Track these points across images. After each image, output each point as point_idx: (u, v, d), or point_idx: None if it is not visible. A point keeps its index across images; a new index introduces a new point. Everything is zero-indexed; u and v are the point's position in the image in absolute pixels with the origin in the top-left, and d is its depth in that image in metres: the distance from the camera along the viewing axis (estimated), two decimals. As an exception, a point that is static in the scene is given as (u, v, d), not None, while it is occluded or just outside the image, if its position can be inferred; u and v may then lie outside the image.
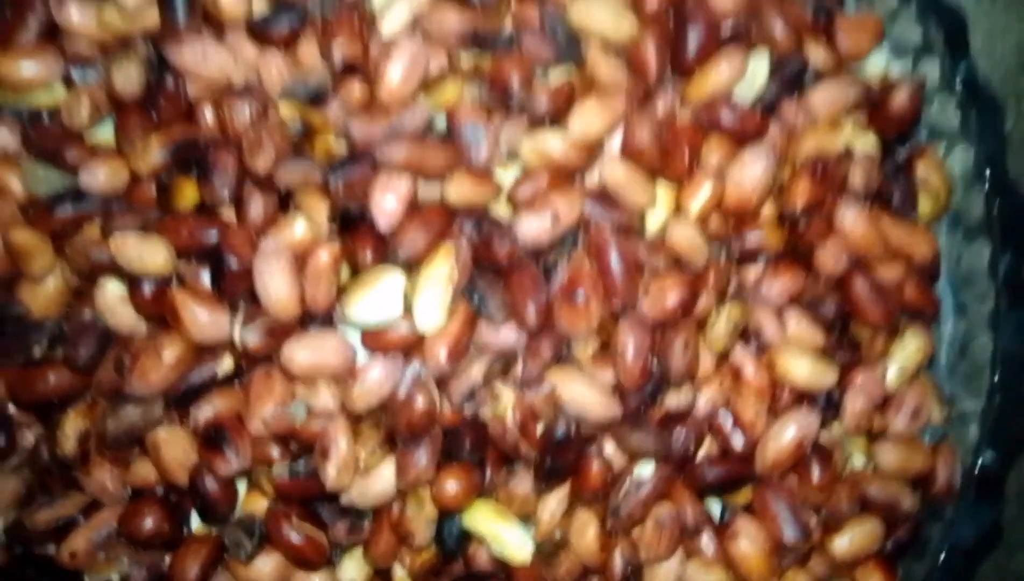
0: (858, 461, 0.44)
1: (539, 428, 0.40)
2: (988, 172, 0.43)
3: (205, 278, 0.39)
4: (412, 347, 0.39)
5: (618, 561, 0.41)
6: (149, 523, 0.38)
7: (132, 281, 0.38)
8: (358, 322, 0.38)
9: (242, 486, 0.40)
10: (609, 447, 0.41)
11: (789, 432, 0.41)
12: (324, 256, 0.39)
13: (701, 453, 0.42)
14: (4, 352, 0.38)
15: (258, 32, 0.39)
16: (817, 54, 0.43)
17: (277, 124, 0.38)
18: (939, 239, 0.45)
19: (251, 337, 0.37)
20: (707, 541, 0.42)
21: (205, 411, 0.39)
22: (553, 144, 0.39)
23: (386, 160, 0.38)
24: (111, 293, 0.38)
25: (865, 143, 0.43)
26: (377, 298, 0.37)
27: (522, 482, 0.40)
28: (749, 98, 0.42)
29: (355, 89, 0.39)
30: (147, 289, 0.38)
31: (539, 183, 0.40)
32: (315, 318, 0.39)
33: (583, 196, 0.40)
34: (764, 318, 0.41)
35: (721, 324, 0.40)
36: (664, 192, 0.41)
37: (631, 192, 0.40)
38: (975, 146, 0.44)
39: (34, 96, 0.39)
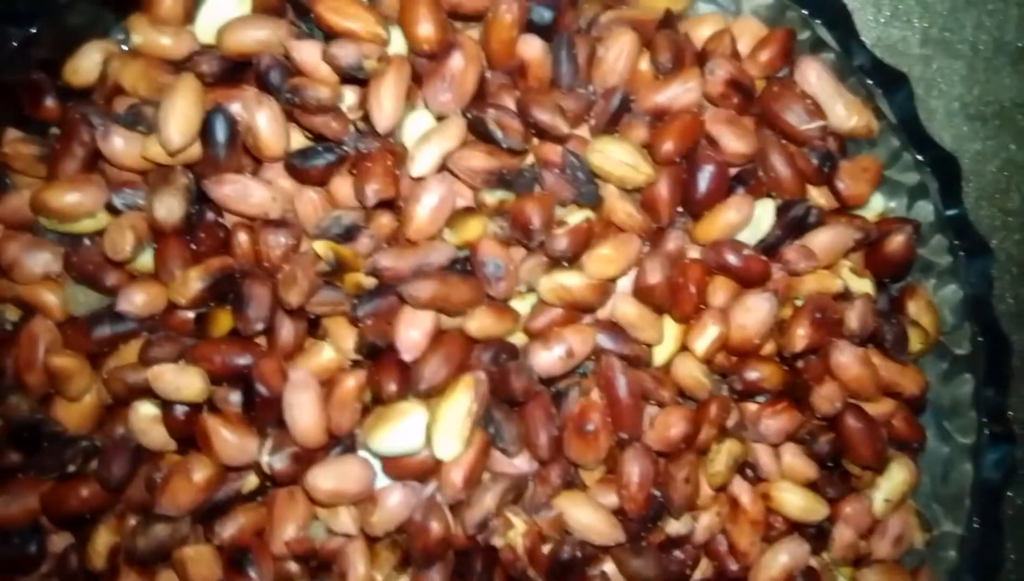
0: (843, 585, 0.46)
1: (546, 550, 0.42)
2: (975, 311, 0.46)
3: (236, 400, 0.41)
4: (430, 473, 0.41)
5: (616, 681, 0.43)
6: (172, 637, 0.40)
7: (166, 404, 0.40)
8: (381, 452, 0.40)
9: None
10: (610, 568, 0.43)
11: (781, 559, 0.43)
12: (350, 383, 0.41)
13: (696, 576, 0.44)
14: (39, 467, 0.40)
15: (296, 169, 0.40)
16: (820, 199, 0.45)
17: (311, 258, 0.40)
18: (925, 367, 0.48)
19: (278, 463, 0.39)
20: (700, 662, 0.44)
21: (229, 528, 0.41)
22: (570, 283, 0.42)
23: (412, 298, 0.40)
24: (144, 414, 0.40)
25: (861, 285, 0.45)
26: (401, 432, 0.39)
27: (528, 603, 0.43)
28: (754, 241, 0.44)
29: (385, 224, 0.41)
30: (179, 412, 0.40)
31: (553, 316, 0.42)
32: (338, 442, 0.41)
33: (595, 332, 0.42)
34: (761, 452, 0.44)
35: (722, 459, 0.42)
36: (671, 328, 0.43)
37: (640, 329, 0.42)
38: (963, 286, 0.46)
39: (78, 224, 0.40)
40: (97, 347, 0.40)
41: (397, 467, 0.41)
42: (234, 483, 0.41)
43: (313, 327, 0.42)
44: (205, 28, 0.42)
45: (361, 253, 0.41)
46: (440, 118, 0.42)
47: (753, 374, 0.43)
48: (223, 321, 0.40)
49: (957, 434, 0.48)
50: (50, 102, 0.41)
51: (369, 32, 0.41)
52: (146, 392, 0.40)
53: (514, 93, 0.43)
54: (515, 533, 0.41)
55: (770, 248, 0.44)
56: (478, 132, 0.42)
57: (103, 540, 0.40)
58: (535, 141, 0.43)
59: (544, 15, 0.43)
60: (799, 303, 0.44)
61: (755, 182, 0.44)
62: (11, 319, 0.41)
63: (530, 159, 0.43)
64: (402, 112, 0.42)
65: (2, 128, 0.42)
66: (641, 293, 0.42)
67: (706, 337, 0.42)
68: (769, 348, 0.44)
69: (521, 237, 0.42)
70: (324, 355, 0.41)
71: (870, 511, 0.45)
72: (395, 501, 0.40)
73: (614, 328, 0.43)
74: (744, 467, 0.44)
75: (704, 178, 0.43)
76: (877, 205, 0.47)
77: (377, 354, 0.41)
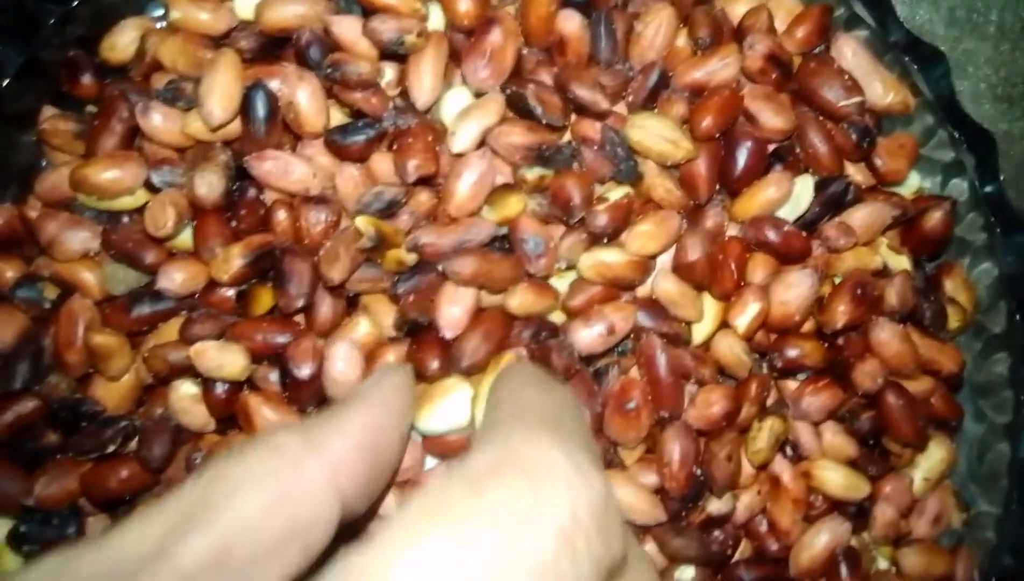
0: (883, 564, 0.46)
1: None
2: (1011, 289, 0.46)
3: (275, 378, 0.40)
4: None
5: (658, 659, 0.43)
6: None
7: (206, 383, 0.39)
8: (427, 431, 0.39)
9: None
10: (650, 547, 0.43)
11: (822, 539, 0.43)
12: (390, 358, 0.40)
13: (737, 555, 0.44)
14: (78, 448, 0.39)
15: (336, 145, 0.40)
16: (858, 175, 0.45)
17: (352, 234, 0.40)
18: (961, 346, 0.47)
19: (321, 442, 0.39)
20: (742, 642, 0.44)
21: (270, 507, 0.40)
22: (611, 260, 0.41)
23: (454, 274, 0.39)
24: (185, 393, 0.40)
25: (899, 262, 0.45)
26: (447, 409, 0.39)
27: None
28: (793, 217, 0.44)
29: (425, 201, 0.41)
30: (220, 391, 0.39)
31: (592, 294, 0.42)
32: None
33: (635, 310, 0.41)
34: (802, 430, 0.44)
35: (763, 437, 0.42)
36: (711, 305, 0.43)
37: (681, 306, 0.42)
38: (999, 263, 0.46)
39: (117, 201, 0.40)
40: (136, 326, 0.40)
41: (439, 446, 0.40)
42: (274, 462, 0.40)
43: (350, 306, 0.42)
44: (244, 4, 0.41)
45: (401, 229, 0.40)
46: (479, 94, 0.42)
47: (794, 351, 0.43)
48: (264, 299, 0.40)
49: (993, 413, 0.47)
50: (87, 79, 0.41)
51: (408, 7, 0.40)
52: (186, 371, 0.39)
53: (551, 69, 0.43)
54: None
55: (809, 225, 0.44)
56: (517, 108, 0.42)
57: (144, 520, 0.39)
58: (573, 118, 0.43)
59: (582, -10, 0.43)
60: (838, 280, 0.44)
61: (793, 158, 0.44)
62: (49, 298, 0.40)
63: (568, 136, 0.43)
64: (441, 88, 0.41)
65: (39, 105, 0.42)
66: (681, 270, 0.42)
67: (747, 314, 0.42)
68: (808, 326, 0.44)
69: (561, 214, 0.41)
70: (361, 331, 0.40)
71: (909, 490, 0.45)
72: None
73: (654, 306, 0.42)
74: (785, 445, 0.44)
75: (743, 154, 0.43)
76: (913, 183, 0.47)
77: (417, 331, 0.40)
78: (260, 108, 0.39)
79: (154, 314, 0.40)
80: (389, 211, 0.40)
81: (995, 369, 0.47)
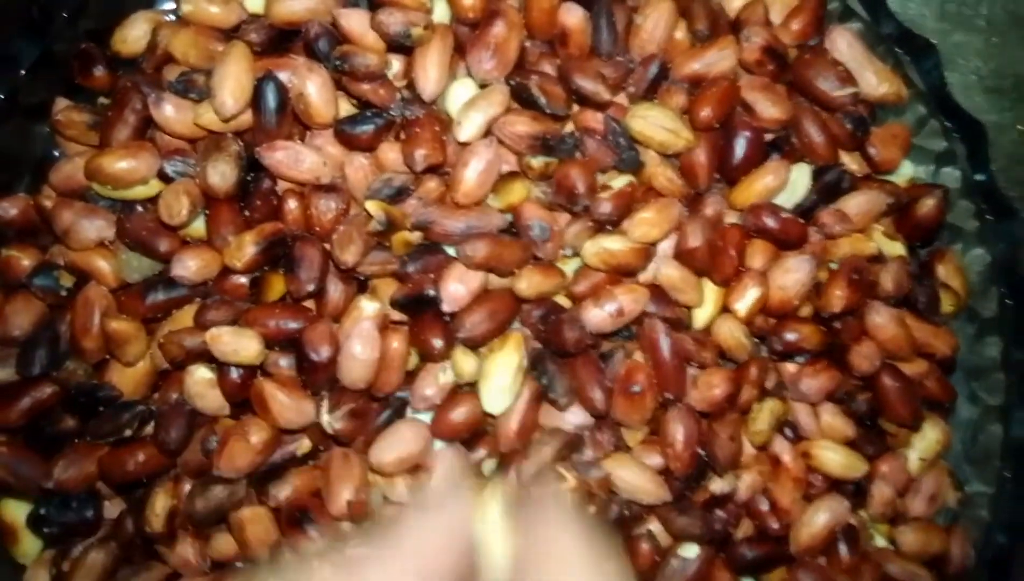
0: (880, 542, 0.47)
1: (593, 509, 0.43)
2: (1002, 274, 0.47)
3: (287, 363, 0.41)
4: (479, 432, 0.42)
5: (664, 637, 0.44)
6: (230, 596, 0.41)
7: (221, 368, 0.40)
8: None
9: (314, 560, 0.43)
10: (655, 527, 0.44)
11: (822, 517, 0.44)
12: (395, 343, 0.41)
13: (739, 534, 0.45)
14: (96, 432, 0.40)
15: (345, 135, 0.41)
16: (853, 164, 0.46)
17: (363, 219, 0.41)
18: (954, 330, 0.49)
19: (338, 422, 0.40)
20: (745, 618, 0.45)
21: (284, 490, 0.41)
22: (614, 247, 0.42)
23: (467, 257, 0.40)
24: (200, 378, 0.40)
25: (893, 248, 0.46)
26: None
27: (576, 560, 0.43)
28: (790, 205, 0.45)
29: (433, 189, 0.42)
30: (235, 376, 0.40)
31: (596, 280, 0.43)
32: (391, 406, 0.41)
33: (646, 292, 0.42)
34: (801, 411, 0.45)
35: (763, 418, 0.43)
36: (711, 290, 0.44)
37: (683, 292, 0.43)
38: (991, 250, 0.47)
39: (131, 190, 0.41)
40: (151, 313, 0.41)
41: (446, 427, 0.41)
42: (289, 446, 0.41)
43: (360, 291, 0.43)
44: (254, -2, 0.42)
45: (410, 214, 0.41)
46: (483, 86, 0.43)
47: (792, 335, 0.44)
48: (276, 285, 0.41)
49: (986, 395, 0.49)
50: (100, 71, 0.42)
51: (415, 1, 0.41)
52: (201, 356, 0.40)
53: (554, 61, 0.44)
54: (566, 487, 0.41)
55: (806, 212, 0.45)
56: (521, 98, 0.43)
57: (161, 503, 0.40)
58: (576, 108, 0.44)
59: (584, -16, 0.44)
60: (834, 266, 0.45)
61: (789, 148, 0.45)
62: (66, 285, 0.41)
63: (571, 126, 0.44)
64: (446, 79, 0.42)
65: (53, 97, 0.43)
66: (682, 256, 0.43)
67: (747, 298, 0.43)
68: (806, 310, 0.45)
69: (565, 202, 0.42)
70: (368, 311, 0.41)
71: (906, 469, 0.46)
72: (446, 468, 0.41)
73: (656, 292, 0.43)
74: (784, 427, 0.45)
75: (741, 144, 0.44)
76: (906, 171, 0.48)
77: (419, 309, 0.41)
78: (271, 99, 0.40)
79: (169, 301, 0.41)
80: (398, 198, 0.41)
81: (987, 352, 0.48)
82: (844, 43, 0.46)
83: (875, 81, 0.46)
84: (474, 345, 0.42)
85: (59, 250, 0.42)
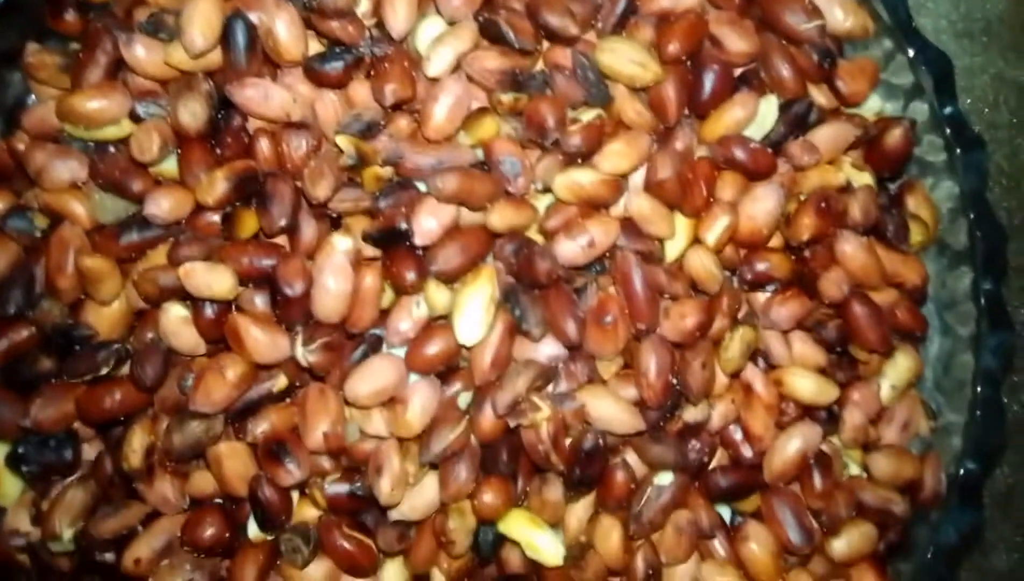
0: (854, 469, 0.48)
1: (568, 441, 0.43)
2: (971, 205, 0.48)
3: (261, 300, 0.42)
4: (453, 363, 0.42)
5: (640, 563, 0.44)
6: (210, 531, 0.41)
7: (196, 305, 0.41)
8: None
9: (294, 496, 0.43)
10: (631, 458, 0.45)
11: (794, 444, 0.45)
12: (368, 279, 0.42)
13: (714, 463, 0.46)
14: (72, 371, 0.41)
15: (314, 73, 0.41)
16: (821, 97, 0.47)
17: (334, 155, 0.41)
18: (926, 265, 0.49)
19: (312, 356, 0.40)
20: (720, 544, 0.46)
21: (261, 425, 0.42)
22: (584, 180, 0.43)
23: (437, 190, 0.41)
24: (175, 316, 0.41)
25: (862, 178, 0.47)
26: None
27: (553, 491, 0.44)
28: (759, 137, 0.46)
29: (403, 126, 0.42)
30: (209, 312, 0.41)
31: (568, 215, 0.43)
32: (366, 341, 0.42)
33: (616, 224, 0.43)
34: (772, 340, 0.45)
35: (735, 346, 0.44)
36: (682, 223, 0.45)
37: (653, 223, 0.44)
38: (960, 181, 0.48)
39: (103, 130, 0.41)
40: (126, 252, 0.41)
41: (421, 360, 0.42)
42: (265, 383, 0.42)
43: (333, 229, 0.43)
44: (221, -62, 0.42)
45: (380, 151, 0.42)
46: (452, 22, 0.43)
47: (762, 265, 0.45)
48: (248, 222, 0.41)
49: (957, 326, 0.49)
50: (70, 15, 0.42)
51: (381, -61, 0.42)
52: (176, 293, 0.41)
53: (522, -1, 0.44)
54: (541, 417, 0.42)
55: (774, 144, 0.46)
56: (490, 35, 0.43)
57: (138, 440, 0.40)
58: (545, 45, 0.44)
59: (551, -78, 0.44)
60: (803, 197, 0.46)
61: (758, 81, 0.46)
62: (40, 227, 0.42)
63: (540, 63, 0.44)
64: (415, 17, 0.43)
65: (24, 43, 0.43)
66: (653, 188, 0.44)
67: (716, 228, 0.44)
68: (776, 241, 0.46)
69: (535, 136, 0.43)
70: (342, 247, 0.41)
71: (878, 397, 0.47)
72: (422, 402, 0.42)
73: (627, 224, 0.44)
74: (756, 355, 0.46)
75: (709, 78, 0.45)
76: (874, 106, 0.49)
77: (391, 243, 0.41)
78: (240, 37, 0.41)
79: (143, 241, 0.41)
80: (369, 133, 0.42)
81: (958, 284, 0.49)
82: (810, -23, 0.46)
83: (842, 15, 0.46)
84: (447, 278, 0.42)
85: (33, 193, 0.42)
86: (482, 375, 0.42)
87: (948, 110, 0.47)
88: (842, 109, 0.48)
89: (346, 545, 0.42)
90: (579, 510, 0.44)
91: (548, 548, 0.43)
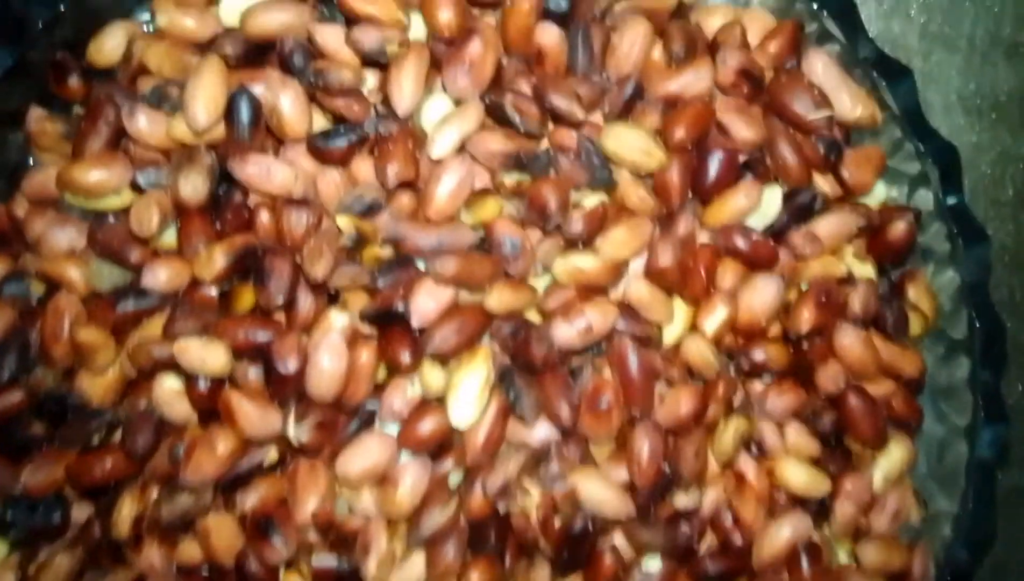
0: (843, 558, 0.48)
1: (558, 522, 0.43)
2: (972, 297, 0.48)
3: (256, 375, 0.41)
4: (446, 444, 0.42)
5: (626, 648, 0.44)
6: (196, 602, 0.41)
7: (189, 378, 0.41)
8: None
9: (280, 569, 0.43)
10: (619, 540, 0.45)
11: (785, 532, 0.45)
12: (364, 356, 0.42)
13: (703, 548, 0.46)
14: (64, 439, 0.41)
15: (318, 149, 0.41)
16: (825, 186, 0.47)
17: (334, 233, 0.41)
18: (923, 350, 0.49)
19: (304, 435, 0.40)
20: (706, 631, 0.46)
21: (251, 498, 0.42)
22: (585, 265, 0.43)
23: (438, 274, 0.41)
24: (168, 387, 0.41)
25: (864, 270, 0.47)
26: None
27: (540, 573, 0.44)
28: (762, 226, 0.45)
29: (405, 204, 0.42)
30: (203, 385, 0.41)
31: (566, 297, 0.43)
32: (359, 417, 0.42)
33: (615, 309, 0.43)
34: (767, 429, 0.45)
35: (729, 434, 0.44)
36: (681, 309, 0.45)
37: (652, 308, 0.44)
38: (961, 272, 0.48)
39: (103, 200, 0.41)
40: (121, 322, 0.41)
41: (413, 439, 0.42)
42: (255, 455, 0.42)
43: (330, 304, 0.43)
44: (229, 11, 0.42)
45: (381, 229, 0.42)
46: (458, 102, 0.43)
47: (760, 354, 0.45)
48: (246, 297, 0.41)
49: (953, 415, 0.49)
50: (74, 81, 0.42)
51: (390, 17, 0.42)
52: (170, 366, 0.40)
53: (530, 79, 0.44)
54: (530, 502, 0.42)
55: (777, 233, 0.45)
56: (496, 116, 0.43)
57: (127, 509, 0.40)
58: (551, 126, 0.44)
59: (561, 3, 0.44)
60: (804, 287, 0.46)
61: (763, 169, 0.45)
62: (36, 293, 0.42)
63: (545, 144, 0.44)
64: (421, 96, 0.43)
65: (27, 105, 0.43)
66: (653, 275, 0.44)
67: (715, 318, 0.44)
68: (775, 330, 0.46)
69: (538, 219, 0.43)
70: (338, 324, 0.41)
71: (870, 487, 0.47)
72: (413, 481, 0.41)
73: (626, 309, 0.44)
74: (749, 444, 0.46)
75: (714, 164, 0.45)
76: (879, 193, 0.49)
77: (388, 323, 0.41)
78: (244, 112, 0.40)
79: (138, 311, 0.41)
80: (370, 213, 0.41)
81: (956, 373, 0.49)
82: (820, 65, 0.46)
83: (850, 104, 0.46)
84: (443, 359, 0.42)
85: (30, 258, 0.42)
86: (474, 456, 0.42)
87: (953, 201, 0.47)
88: (846, 198, 0.47)
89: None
90: (566, 593, 0.45)
91: (533, 631, 0.43)
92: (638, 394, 0.43)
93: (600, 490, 0.43)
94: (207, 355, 0.39)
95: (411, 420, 0.42)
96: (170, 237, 0.42)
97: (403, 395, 0.42)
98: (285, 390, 0.41)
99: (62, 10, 0.42)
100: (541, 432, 0.43)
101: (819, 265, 0.46)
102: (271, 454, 0.42)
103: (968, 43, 0.60)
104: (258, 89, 0.41)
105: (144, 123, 0.41)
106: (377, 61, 0.42)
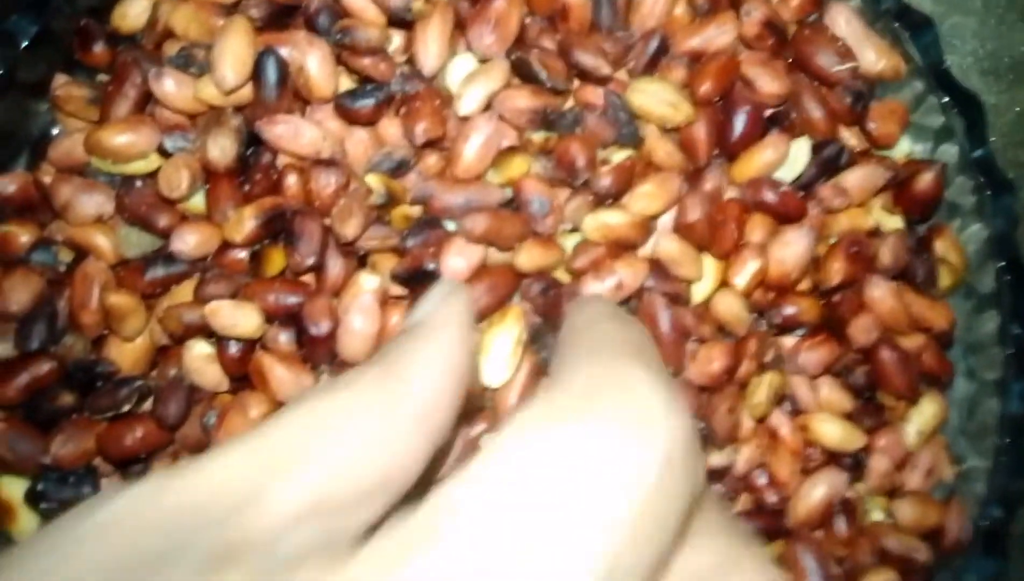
0: (877, 516, 0.47)
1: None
2: (1000, 249, 0.47)
3: (286, 338, 0.41)
4: (478, 406, 0.42)
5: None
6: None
7: (220, 342, 0.40)
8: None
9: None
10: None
11: (819, 490, 0.45)
12: (396, 318, 0.41)
13: (737, 508, 0.45)
14: (94, 408, 0.40)
15: (345, 110, 0.41)
16: (852, 140, 0.46)
17: (363, 193, 0.41)
18: (952, 306, 0.49)
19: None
20: (742, 589, 0.45)
21: (283, 464, 0.41)
22: (613, 221, 0.42)
23: (468, 230, 0.40)
24: (199, 352, 0.40)
25: (892, 222, 0.47)
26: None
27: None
28: (790, 179, 0.45)
29: (433, 164, 0.42)
30: (234, 350, 0.40)
31: (595, 255, 0.43)
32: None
33: (646, 266, 0.43)
34: (799, 385, 0.45)
35: (762, 391, 0.44)
36: (710, 265, 0.44)
37: (682, 265, 0.43)
38: (989, 225, 0.48)
39: (130, 165, 0.41)
40: (150, 288, 0.41)
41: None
42: (287, 420, 0.41)
43: (360, 267, 0.43)
44: (253, -28, 0.42)
45: (410, 189, 0.41)
46: (484, 61, 0.43)
47: (791, 309, 0.44)
48: (276, 259, 0.41)
49: (983, 370, 0.49)
50: (99, 47, 0.42)
51: (415, -25, 0.41)
52: (200, 330, 0.40)
53: (555, 36, 0.44)
54: None
55: (805, 187, 0.45)
56: (522, 73, 0.43)
57: (160, 477, 0.40)
58: (576, 84, 0.44)
59: (584, -40, 0.44)
60: (833, 241, 0.45)
61: (789, 123, 0.45)
62: (64, 261, 0.41)
63: (571, 102, 0.44)
64: (447, 55, 0.42)
65: (52, 74, 0.42)
66: (682, 230, 0.43)
67: (746, 272, 0.43)
68: (805, 284, 0.45)
69: (566, 176, 0.42)
70: (368, 286, 0.41)
71: (903, 443, 0.47)
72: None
73: (655, 266, 0.44)
74: (782, 400, 0.45)
75: (740, 119, 0.44)
76: (904, 148, 0.48)
77: (419, 283, 0.41)
78: (271, 73, 0.40)
79: (168, 276, 0.41)
80: (398, 171, 0.41)
81: (985, 328, 0.49)
82: (843, 19, 0.46)
83: (874, 57, 0.46)
84: (474, 319, 0.42)
85: (58, 226, 0.42)
86: (507, 415, 0.42)
87: (979, 153, 0.47)
88: (872, 151, 0.47)
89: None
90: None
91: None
92: (669, 351, 0.43)
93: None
94: (238, 317, 0.39)
95: (443, 381, 0.42)
96: (198, 201, 0.41)
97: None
98: (317, 353, 0.40)
99: (85, -24, 0.42)
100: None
101: (847, 218, 0.46)
102: (303, 419, 0.42)
103: (983, 4, 0.60)
104: (285, 50, 0.41)
105: (171, 86, 0.40)
106: (402, 20, 0.41)
